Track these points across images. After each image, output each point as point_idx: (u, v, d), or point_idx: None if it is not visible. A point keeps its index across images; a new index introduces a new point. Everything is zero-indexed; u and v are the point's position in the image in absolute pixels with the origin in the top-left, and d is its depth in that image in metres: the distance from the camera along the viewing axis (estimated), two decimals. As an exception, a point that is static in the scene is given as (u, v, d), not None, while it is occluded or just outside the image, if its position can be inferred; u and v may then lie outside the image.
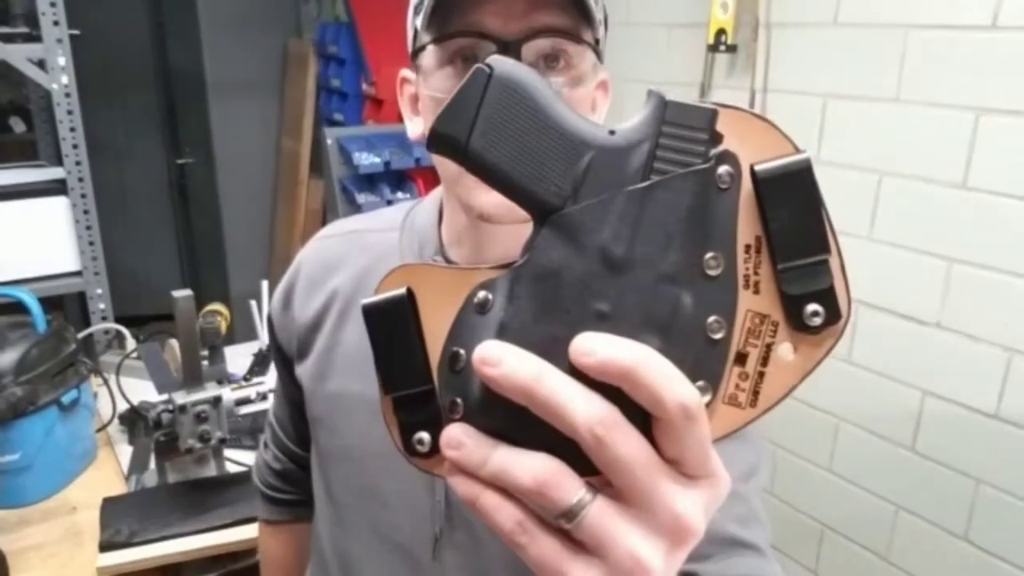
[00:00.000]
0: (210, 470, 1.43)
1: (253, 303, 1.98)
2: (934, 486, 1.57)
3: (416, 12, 0.65)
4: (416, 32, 0.66)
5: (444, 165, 0.69)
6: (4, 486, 1.36)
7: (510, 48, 0.60)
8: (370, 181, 2.65)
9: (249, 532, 1.23)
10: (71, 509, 1.38)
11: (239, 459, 1.49)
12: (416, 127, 0.74)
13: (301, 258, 0.86)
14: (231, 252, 3.69)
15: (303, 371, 0.82)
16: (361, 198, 2.60)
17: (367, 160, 2.55)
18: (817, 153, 1.69)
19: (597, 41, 0.65)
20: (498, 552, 0.73)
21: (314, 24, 3.46)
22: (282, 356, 0.87)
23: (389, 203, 2.56)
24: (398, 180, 2.70)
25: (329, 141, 2.64)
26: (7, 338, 1.38)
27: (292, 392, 0.88)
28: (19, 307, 1.49)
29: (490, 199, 0.64)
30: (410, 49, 0.69)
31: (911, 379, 1.60)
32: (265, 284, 2.02)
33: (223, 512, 1.28)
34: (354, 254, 0.80)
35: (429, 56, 0.64)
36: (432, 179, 2.64)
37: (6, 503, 1.37)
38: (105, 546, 1.23)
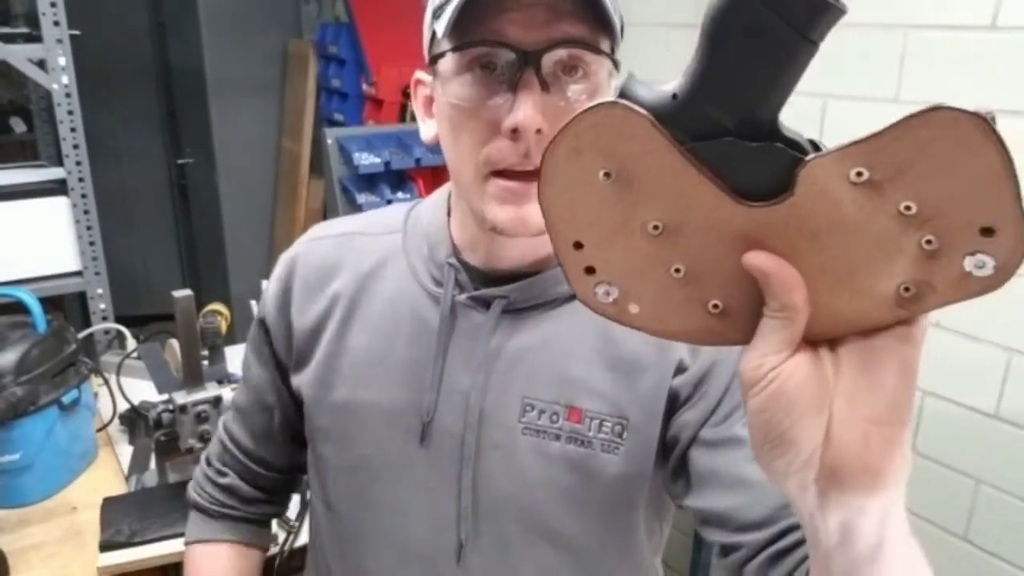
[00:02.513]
0: (210, 470, 1.43)
1: (253, 303, 1.98)
2: (934, 486, 1.57)
3: (435, 16, 0.64)
4: (433, 36, 0.65)
5: (459, 173, 0.68)
6: (4, 486, 1.36)
7: (530, 58, 0.60)
8: (370, 181, 2.66)
9: (249, 532, 1.23)
10: (71, 509, 1.38)
11: (239, 459, 1.49)
12: (429, 129, 0.73)
13: (293, 259, 0.82)
14: (231, 252, 3.68)
15: (302, 380, 0.79)
16: (361, 198, 2.60)
17: (367, 160, 2.55)
18: (817, 153, 1.68)
19: (613, 50, 0.65)
20: (528, 554, 0.73)
21: (314, 24, 3.46)
22: (277, 363, 0.84)
23: (389, 203, 2.56)
24: (398, 180, 2.70)
25: (329, 141, 2.64)
26: (7, 338, 1.38)
27: (281, 401, 0.84)
28: (19, 307, 1.49)
29: (505, 213, 0.64)
30: (427, 52, 0.69)
31: (911, 379, 1.60)
32: (265, 284, 2.02)
33: (223, 512, 1.28)
34: (352, 258, 0.78)
35: (448, 62, 0.64)
36: (432, 179, 2.64)
37: (7, 503, 1.37)
38: (105, 546, 1.23)
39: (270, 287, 0.84)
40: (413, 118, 2.82)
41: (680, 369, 0.70)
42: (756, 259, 0.36)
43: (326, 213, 3.16)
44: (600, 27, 0.62)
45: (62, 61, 1.88)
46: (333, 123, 3.13)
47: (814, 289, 0.36)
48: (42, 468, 1.39)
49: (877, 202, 0.33)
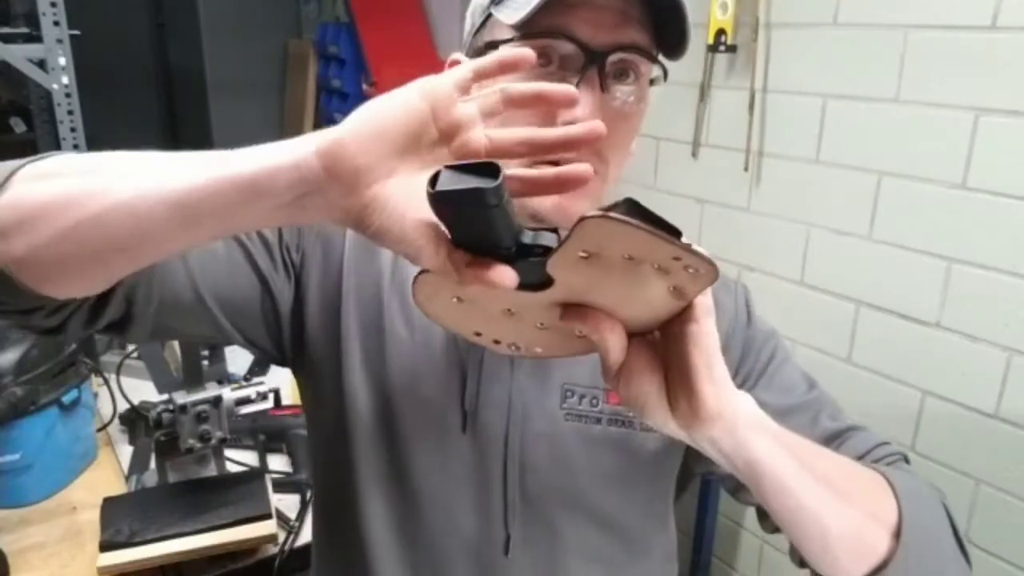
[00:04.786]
0: (210, 470, 1.43)
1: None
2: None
3: (495, 2, 0.66)
4: (485, 22, 0.67)
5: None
6: (5, 486, 1.36)
7: (596, 56, 0.62)
8: (370, 181, 2.66)
9: (249, 532, 1.23)
10: (71, 509, 1.38)
11: (239, 459, 1.49)
12: None
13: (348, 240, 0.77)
14: (231, 252, 3.69)
15: (348, 364, 0.75)
16: (361, 198, 2.60)
17: (367, 160, 2.55)
18: (817, 153, 1.69)
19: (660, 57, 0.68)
20: (574, 537, 0.75)
21: (314, 24, 3.47)
22: (288, 269, 0.75)
23: (389, 203, 2.55)
24: (398, 180, 2.70)
25: (329, 141, 2.64)
26: (7, 338, 1.38)
27: (259, 274, 0.73)
28: (19, 307, 1.49)
29: (548, 201, 0.64)
30: (471, 37, 0.70)
31: (911, 379, 1.60)
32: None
33: (223, 512, 1.28)
34: (378, 250, 0.76)
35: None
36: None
37: (7, 503, 1.37)
38: (105, 546, 1.23)
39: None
40: (413, 118, 2.82)
41: None
42: (564, 316, 0.50)
43: (326, 213, 3.16)
44: (658, 36, 0.65)
45: (62, 61, 1.88)
46: (333, 123, 3.10)
47: (621, 313, 0.50)
48: (42, 468, 1.39)
49: (604, 262, 0.45)
